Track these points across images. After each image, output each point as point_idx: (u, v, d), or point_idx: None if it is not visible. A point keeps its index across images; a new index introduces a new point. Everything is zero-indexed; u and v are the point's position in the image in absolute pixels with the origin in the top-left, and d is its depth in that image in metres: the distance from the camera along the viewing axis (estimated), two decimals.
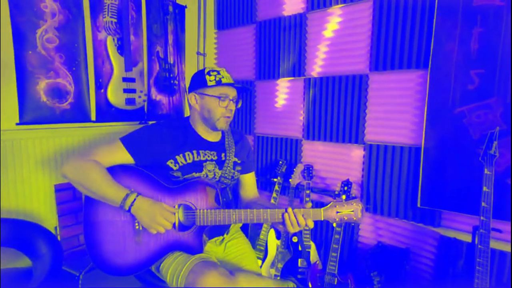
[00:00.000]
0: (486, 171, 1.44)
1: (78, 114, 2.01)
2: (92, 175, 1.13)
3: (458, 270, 1.68)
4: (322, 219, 1.17)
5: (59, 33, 1.88)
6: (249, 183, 1.55)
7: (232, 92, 1.32)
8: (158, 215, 1.11)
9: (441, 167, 1.76)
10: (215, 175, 1.35)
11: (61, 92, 1.92)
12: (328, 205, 1.18)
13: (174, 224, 1.19)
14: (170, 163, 1.27)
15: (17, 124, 1.77)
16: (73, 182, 1.17)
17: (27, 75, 1.78)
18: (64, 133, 1.95)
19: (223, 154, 1.37)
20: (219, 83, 1.27)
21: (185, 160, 1.29)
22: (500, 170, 1.58)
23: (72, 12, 1.93)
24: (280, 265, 2.15)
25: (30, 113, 1.81)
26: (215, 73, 1.29)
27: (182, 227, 1.21)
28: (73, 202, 1.99)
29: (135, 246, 1.18)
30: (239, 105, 1.38)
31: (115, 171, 1.19)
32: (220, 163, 1.36)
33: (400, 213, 1.98)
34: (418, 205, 1.84)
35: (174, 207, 1.19)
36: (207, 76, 1.29)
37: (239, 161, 1.43)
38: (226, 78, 1.30)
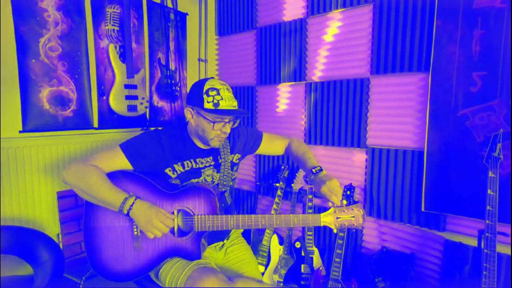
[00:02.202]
0: (490, 174, 1.42)
1: (80, 121, 2.03)
2: (91, 179, 1.14)
3: (464, 275, 1.64)
4: (322, 225, 1.15)
5: (62, 41, 1.91)
6: (269, 148, 1.55)
7: (228, 116, 1.24)
8: (155, 218, 1.11)
9: (444, 171, 1.74)
10: (213, 179, 1.34)
11: (63, 99, 1.94)
12: (328, 211, 1.16)
13: (172, 230, 1.19)
14: (168, 171, 1.27)
15: (20, 132, 1.79)
16: (73, 187, 1.18)
17: (30, 83, 1.80)
18: (67, 141, 1.97)
19: (218, 157, 1.37)
20: (216, 106, 1.18)
21: (183, 168, 1.29)
22: (504, 172, 1.56)
23: (74, 21, 1.96)
24: (283, 271, 2.12)
25: (33, 121, 1.83)
26: (214, 92, 1.20)
27: (181, 233, 1.21)
28: (75, 209, 2.00)
29: (134, 252, 1.18)
30: (236, 125, 1.31)
31: (114, 176, 1.19)
32: (217, 167, 1.35)
33: (404, 218, 1.95)
34: (422, 209, 1.82)
35: (173, 212, 1.19)
36: (205, 96, 1.20)
37: (237, 159, 1.43)
38: (226, 99, 1.20)
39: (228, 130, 1.28)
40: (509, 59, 1.52)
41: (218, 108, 1.19)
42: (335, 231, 1.19)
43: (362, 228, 2.13)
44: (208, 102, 1.19)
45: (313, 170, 1.28)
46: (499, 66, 1.55)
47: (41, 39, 1.82)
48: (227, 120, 1.24)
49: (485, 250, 1.39)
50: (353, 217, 1.16)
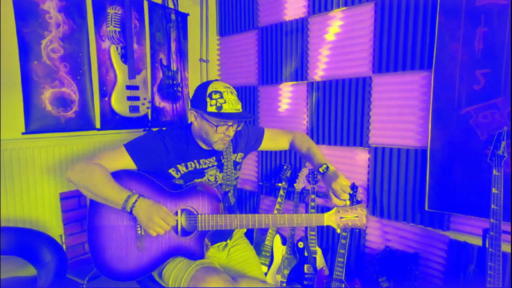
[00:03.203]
0: (494, 172, 1.41)
1: (83, 123, 2.04)
2: (95, 178, 1.14)
3: (469, 274, 1.63)
4: (325, 224, 1.15)
5: (63, 43, 1.91)
6: (272, 145, 1.54)
7: (231, 120, 1.22)
8: (156, 215, 1.10)
9: (448, 169, 1.73)
10: (216, 178, 1.34)
11: (66, 101, 1.95)
12: (332, 211, 1.16)
13: (176, 229, 1.19)
14: (172, 171, 1.27)
15: (23, 133, 1.79)
16: (78, 185, 1.18)
17: (32, 85, 1.80)
18: (69, 142, 1.97)
19: (221, 157, 1.36)
20: (219, 110, 1.17)
21: (187, 168, 1.28)
22: (509, 171, 1.54)
23: (76, 23, 1.96)
24: (286, 271, 2.12)
25: (36, 123, 1.84)
26: (217, 95, 1.18)
27: (184, 232, 1.20)
28: (78, 210, 2.00)
29: (137, 251, 1.18)
30: (240, 128, 1.30)
31: (118, 175, 1.19)
32: (221, 167, 1.35)
33: (408, 217, 1.94)
34: (426, 208, 1.81)
35: (176, 212, 1.19)
36: (208, 99, 1.18)
37: (240, 158, 1.42)
38: (229, 103, 1.18)
39: (232, 134, 1.26)
40: None
41: (221, 111, 1.18)
42: (338, 231, 1.19)
43: (366, 228, 2.12)
44: (211, 105, 1.18)
45: (320, 170, 1.27)
46: (503, 63, 1.54)
47: (43, 41, 1.83)
48: (230, 124, 1.23)
49: (490, 249, 1.38)
50: (357, 217, 1.16)
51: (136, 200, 1.11)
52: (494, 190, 1.39)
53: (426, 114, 1.82)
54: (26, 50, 1.77)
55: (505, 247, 1.58)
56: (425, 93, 1.83)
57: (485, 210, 1.53)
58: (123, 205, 1.11)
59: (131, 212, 1.12)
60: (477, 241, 1.67)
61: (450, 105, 1.69)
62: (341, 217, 1.16)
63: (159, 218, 1.11)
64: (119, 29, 2.17)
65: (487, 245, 1.40)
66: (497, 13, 1.54)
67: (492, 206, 1.39)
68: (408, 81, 1.89)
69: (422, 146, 1.86)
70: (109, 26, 2.13)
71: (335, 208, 1.17)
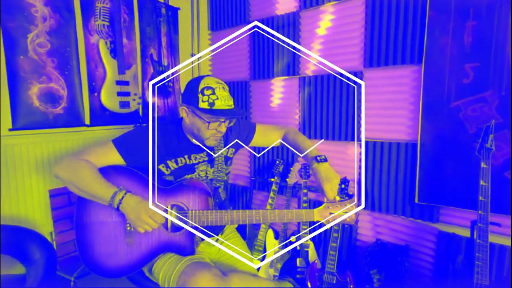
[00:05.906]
0: (482, 165, 1.42)
1: (71, 119, 2.01)
2: (82, 173, 1.13)
3: (457, 265, 1.66)
4: (315, 220, 1.16)
5: (50, 37, 1.88)
6: (263, 141, 1.51)
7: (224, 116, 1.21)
8: (143, 213, 1.10)
9: (438, 162, 1.74)
10: (207, 173, 1.33)
11: (54, 96, 1.91)
12: (322, 206, 1.17)
13: (166, 225, 1.18)
14: (162, 167, 1.26)
15: (10, 129, 1.76)
16: (65, 181, 1.16)
17: (19, 80, 1.77)
18: (58, 138, 1.94)
19: (212, 152, 1.36)
20: (211, 106, 1.16)
21: (177, 164, 1.27)
22: (497, 163, 1.57)
23: (63, 16, 1.93)
24: (279, 265, 2.13)
25: (23, 119, 1.80)
26: (209, 91, 1.16)
27: (174, 228, 1.20)
28: (68, 207, 1.98)
29: (126, 247, 1.17)
30: (232, 124, 1.29)
31: (107, 171, 1.18)
32: (211, 162, 1.35)
33: (398, 210, 1.96)
34: (416, 201, 1.83)
35: (166, 207, 1.18)
36: (200, 95, 1.17)
37: (231, 153, 1.42)
38: (221, 99, 1.17)
39: (224, 130, 1.25)
40: (502, 50, 1.52)
41: (214, 108, 1.16)
42: (328, 227, 1.20)
43: (356, 223, 2.14)
44: (203, 101, 1.16)
45: (318, 158, 1.27)
46: (491, 57, 1.55)
47: (29, 35, 1.79)
48: (222, 120, 1.22)
49: (478, 240, 1.40)
50: (346, 212, 1.17)
51: (123, 197, 1.10)
52: (482, 183, 1.41)
53: (416, 108, 1.83)
54: (11, 45, 1.73)
55: (497, 240, 1.61)
56: (415, 87, 1.84)
57: (474, 202, 1.55)
58: (109, 201, 1.10)
59: (118, 209, 1.10)
60: (465, 233, 1.69)
61: (440, 99, 1.71)
62: (330, 213, 1.17)
63: (147, 216, 1.10)
64: (107, 23, 2.14)
65: (475, 237, 1.42)
66: (485, 6, 1.55)
67: (480, 198, 1.41)
68: (399, 75, 1.89)
69: (412, 139, 1.87)
70: (97, 20, 2.09)
71: (325, 204, 1.18)
